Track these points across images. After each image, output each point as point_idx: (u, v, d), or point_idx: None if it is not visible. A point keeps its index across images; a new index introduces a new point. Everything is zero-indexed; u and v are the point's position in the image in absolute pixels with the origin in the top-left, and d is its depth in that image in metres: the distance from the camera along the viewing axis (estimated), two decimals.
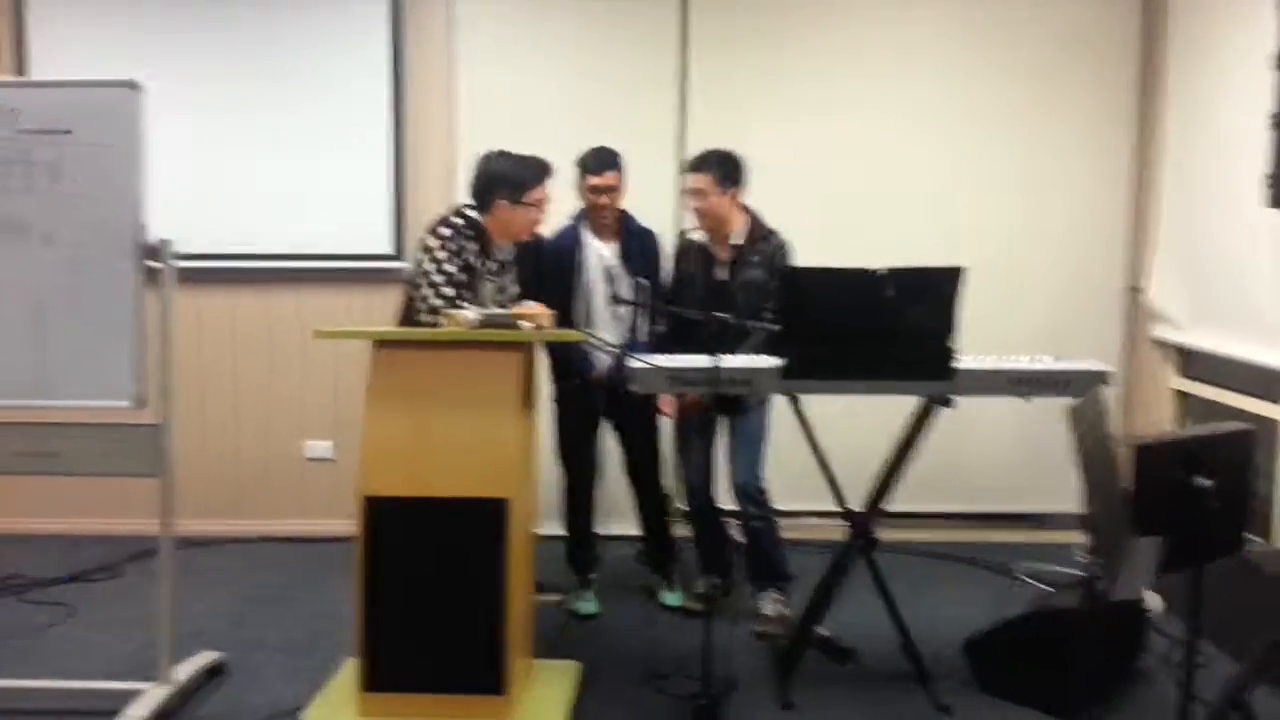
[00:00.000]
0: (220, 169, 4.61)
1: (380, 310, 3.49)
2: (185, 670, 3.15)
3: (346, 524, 2.88)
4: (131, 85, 2.87)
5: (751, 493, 3.58)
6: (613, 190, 3.62)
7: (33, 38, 4.56)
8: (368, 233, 4.65)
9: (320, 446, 4.83)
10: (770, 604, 3.65)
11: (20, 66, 4.58)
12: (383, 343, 2.89)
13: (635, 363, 3.03)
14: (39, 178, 2.89)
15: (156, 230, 2.92)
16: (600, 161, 3.61)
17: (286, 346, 4.76)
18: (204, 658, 3.27)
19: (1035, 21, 4.59)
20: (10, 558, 4.39)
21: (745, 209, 3.62)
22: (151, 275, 2.91)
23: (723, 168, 3.54)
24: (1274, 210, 2.08)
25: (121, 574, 4.27)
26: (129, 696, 2.94)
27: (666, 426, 3.89)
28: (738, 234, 3.58)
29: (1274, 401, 3.70)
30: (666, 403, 3.72)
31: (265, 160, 4.62)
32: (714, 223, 3.57)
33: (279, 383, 4.81)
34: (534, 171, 3.26)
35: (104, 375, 2.89)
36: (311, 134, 4.62)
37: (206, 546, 4.59)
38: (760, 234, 3.58)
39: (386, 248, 4.65)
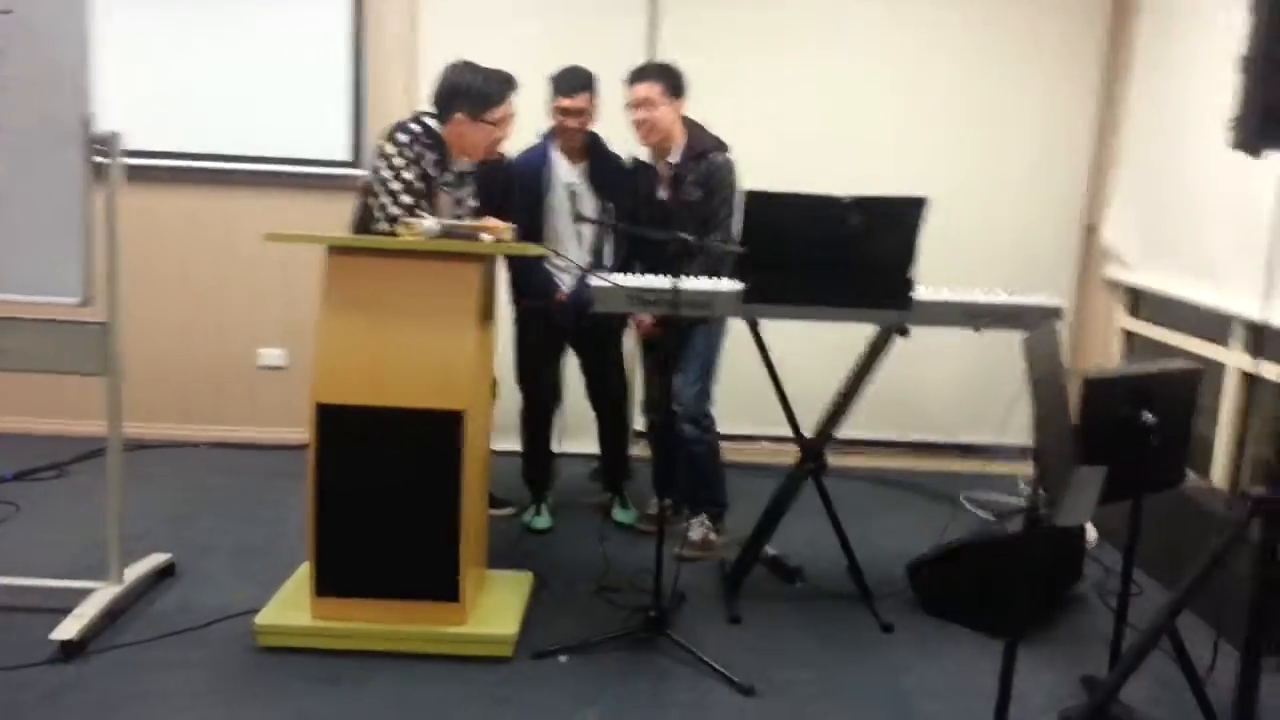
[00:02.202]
0: (175, 67, 4.46)
1: (336, 217, 3.42)
2: (135, 570, 3.15)
3: (298, 432, 2.86)
4: None
5: (694, 415, 3.57)
6: (582, 113, 3.53)
7: None
8: (326, 138, 4.55)
9: (273, 354, 4.77)
10: (697, 529, 3.69)
11: None
12: (338, 249, 2.83)
13: (597, 281, 3.02)
14: None
15: (106, 123, 2.82)
16: (571, 83, 3.50)
17: (239, 251, 4.66)
18: (154, 559, 3.27)
19: None
20: None
21: (686, 125, 3.54)
22: (99, 171, 2.82)
23: (668, 77, 3.47)
24: (1236, 153, 2.10)
25: (67, 473, 4.23)
26: (79, 595, 2.94)
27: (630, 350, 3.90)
28: (676, 152, 3.51)
29: (1220, 343, 3.78)
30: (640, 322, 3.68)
31: (221, 59, 4.48)
32: (659, 136, 3.48)
33: (231, 288, 4.73)
34: (498, 88, 3.17)
35: (50, 270, 2.82)
36: (270, 35, 4.47)
37: (155, 450, 4.56)
38: (698, 151, 3.49)
39: (344, 154, 4.55)
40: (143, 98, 4.37)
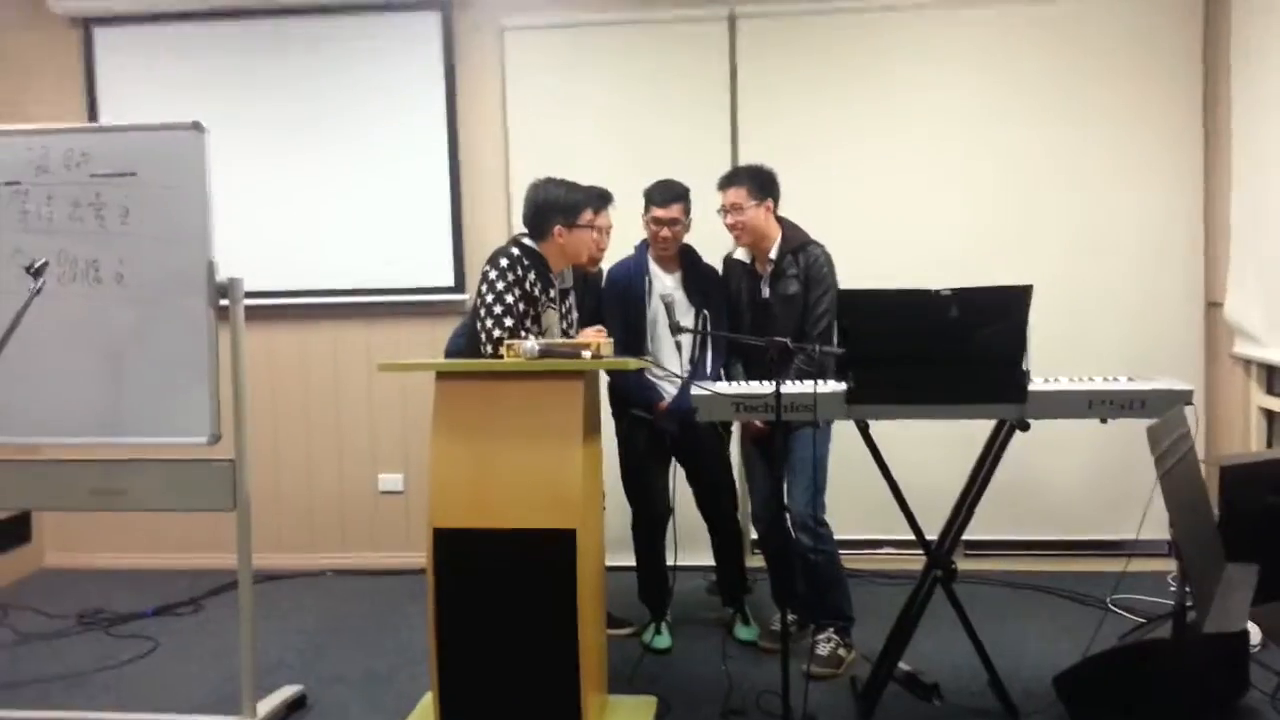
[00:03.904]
0: (282, 209, 4.78)
1: (444, 341, 3.53)
2: (268, 704, 3.19)
3: (419, 556, 2.89)
4: (196, 127, 2.96)
5: (807, 523, 3.46)
6: (676, 223, 3.62)
7: (101, 82, 4.82)
8: (429, 266, 4.76)
9: (392, 479, 4.89)
10: (825, 644, 3.53)
11: (91, 111, 4.82)
12: (445, 374, 2.91)
13: (698, 390, 3.01)
14: (109, 219, 3.00)
15: (224, 268, 3.00)
16: (666, 194, 3.61)
17: (355, 380, 4.85)
18: (286, 691, 3.31)
19: (1098, 31, 4.48)
20: (95, 592, 4.53)
21: (780, 221, 3.58)
22: (220, 312, 2.99)
23: (755, 180, 3.52)
24: None
25: (203, 608, 4.37)
26: None
27: (737, 457, 3.85)
28: (773, 249, 3.54)
29: None
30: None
31: (326, 199, 4.77)
32: (752, 237, 3.53)
33: (349, 416, 4.89)
34: (587, 196, 3.28)
35: (179, 412, 2.97)
36: (371, 173, 4.76)
37: (284, 580, 4.68)
38: (794, 245, 3.52)
39: (448, 280, 4.75)
40: (259, 240, 4.68)
